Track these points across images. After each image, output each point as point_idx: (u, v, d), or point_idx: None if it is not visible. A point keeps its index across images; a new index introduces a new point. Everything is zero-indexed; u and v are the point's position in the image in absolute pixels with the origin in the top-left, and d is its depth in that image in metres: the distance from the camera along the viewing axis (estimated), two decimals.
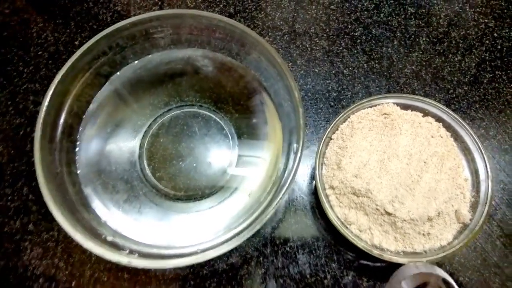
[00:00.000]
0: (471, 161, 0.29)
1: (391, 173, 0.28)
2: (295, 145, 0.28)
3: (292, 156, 0.28)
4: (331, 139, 0.31)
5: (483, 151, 0.29)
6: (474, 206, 0.28)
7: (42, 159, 0.26)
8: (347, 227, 0.28)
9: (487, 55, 0.36)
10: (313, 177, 0.33)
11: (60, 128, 0.28)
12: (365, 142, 0.29)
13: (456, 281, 0.30)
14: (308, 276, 0.30)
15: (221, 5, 0.39)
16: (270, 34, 0.37)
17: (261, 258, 0.31)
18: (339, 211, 0.28)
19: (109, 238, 0.27)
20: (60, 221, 0.25)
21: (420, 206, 0.27)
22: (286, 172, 0.28)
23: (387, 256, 0.27)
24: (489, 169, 0.28)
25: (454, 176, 0.28)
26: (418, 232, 0.27)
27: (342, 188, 0.28)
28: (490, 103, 0.34)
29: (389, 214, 0.27)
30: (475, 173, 0.29)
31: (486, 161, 0.28)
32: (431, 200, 0.27)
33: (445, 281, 0.25)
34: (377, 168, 0.28)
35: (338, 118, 0.30)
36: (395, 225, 0.27)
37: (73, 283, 0.31)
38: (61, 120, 0.29)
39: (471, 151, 0.29)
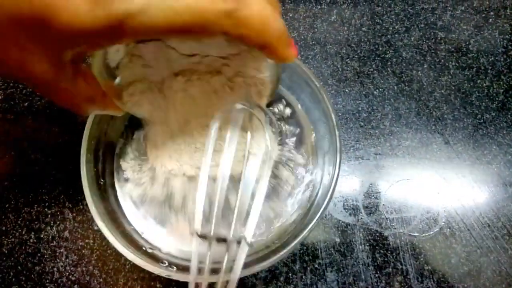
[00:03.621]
0: None
1: None
2: (331, 168, 0.28)
3: (328, 179, 0.29)
4: None
5: None
6: None
7: (87, 171, 0.27)
8: None
9: None
10: (343, 198, 0.34)
11: (103, 143, 0.30)
12: None
13: None
14: None
15: None
16: (302, 53, 0.38)
17: (290, 274, 0.32)
18: None
19: (149, 250, 0.28)
20: (105, 232, 0.26)
21: None
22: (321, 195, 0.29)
23: None
24: None
25: None
26: None
27: None
28: None
29: None
30: None
31: None
32: None
33: None
34: None
35: None
36: None
37: None
38: (104, 135, 0.30)
39: None
